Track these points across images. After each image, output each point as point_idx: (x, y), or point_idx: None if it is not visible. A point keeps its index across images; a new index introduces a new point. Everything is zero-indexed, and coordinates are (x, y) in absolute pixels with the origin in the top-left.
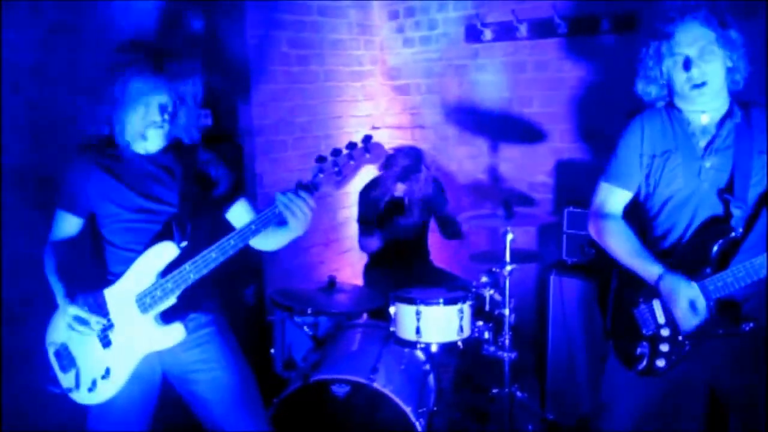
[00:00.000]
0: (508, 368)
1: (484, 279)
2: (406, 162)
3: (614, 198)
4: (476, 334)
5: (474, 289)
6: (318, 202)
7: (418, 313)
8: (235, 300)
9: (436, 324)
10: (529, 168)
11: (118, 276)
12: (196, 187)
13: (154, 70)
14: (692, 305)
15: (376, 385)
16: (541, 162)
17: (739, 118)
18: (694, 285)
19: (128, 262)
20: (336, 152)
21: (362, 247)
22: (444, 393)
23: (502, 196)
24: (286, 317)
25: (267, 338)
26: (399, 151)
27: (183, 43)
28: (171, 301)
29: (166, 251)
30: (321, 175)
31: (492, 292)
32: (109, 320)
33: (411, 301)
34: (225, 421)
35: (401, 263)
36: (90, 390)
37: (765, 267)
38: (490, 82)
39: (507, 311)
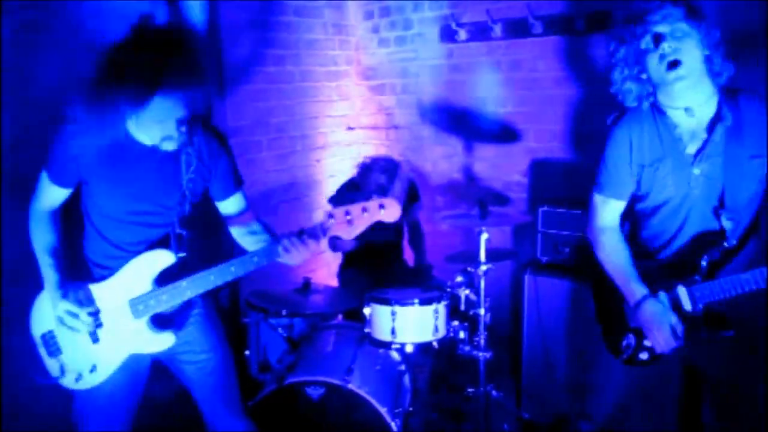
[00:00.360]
0: (484, 368)
1: (459, 279)
2: (381, 180)
3: (608, 209)
4: (451, 334)
5: (449, 289)
6: (293, 202)
7: (393, 313)
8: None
9: (411, 324)
10: (503, 167)
11: (104, 269)
12: (196, 183)
13: (178, 86)
14: (673, 331)
15: (351, 386)
16: (516, 161)
17: (730, 120)
18: (674, 316)
19: (118, 259)
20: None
21: (332, 248)
22: (419, 393)
23: (477, 196)
24: (261, 319)
25: (242, 340)
26: (375, 162)
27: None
28: (162, 309)
29: (162, 258)
30: (331, 221)
31: (467, 291)
32: (98, 318)
33: (386, 302)
34: (204, 403)
35: (376, 263)
36: (77, 380)
37: (751, 283)
38: (465, 82)
39: (482, 311)
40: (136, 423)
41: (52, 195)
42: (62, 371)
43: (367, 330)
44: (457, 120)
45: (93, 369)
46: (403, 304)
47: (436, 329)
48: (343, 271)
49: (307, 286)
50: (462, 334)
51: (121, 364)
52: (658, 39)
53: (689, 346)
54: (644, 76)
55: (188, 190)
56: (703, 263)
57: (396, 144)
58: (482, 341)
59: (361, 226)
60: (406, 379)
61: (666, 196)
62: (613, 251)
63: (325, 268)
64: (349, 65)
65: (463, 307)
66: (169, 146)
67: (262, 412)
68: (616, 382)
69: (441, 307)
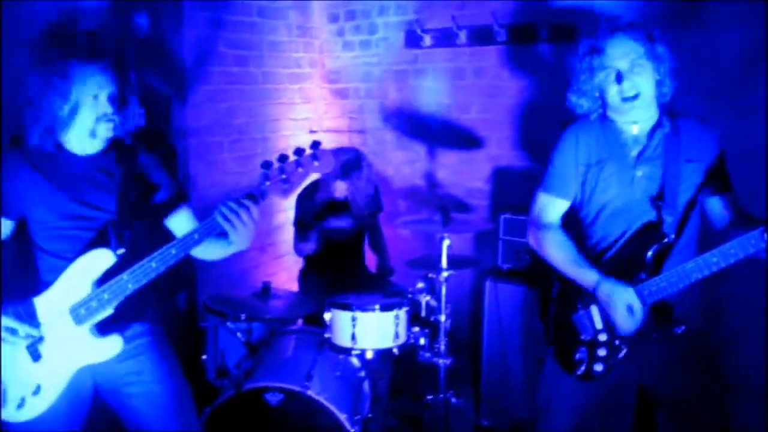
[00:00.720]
0: (444, 374)
1: (420, 285)
2: (345, 158)
3: (552, 207)
4: (412, 341)
5: (410, 295)
6: None
7: (353, 319)
8: (166, 305)
9: (372, 330)
10: (466, 174)
11: (49, 285)
12: (135, 192)
13: (99, 59)
14: (629, 309)
15: (310, 392)
16: (478, 168)
17: (668, 128)
18: (630, 289)
19: (61, 270)
20: (283, 158)
21: (297, 252)
22: (379, 399)
23: (438, 202)
24: (219, 323)
25: (199, 345)
26: (338, 150)
27: (117, 37)
28: (108, 312)
29: (101, 259)
30: (267, 183)
31: (428, 298)
32: (39, 331)
33: (347, 307)
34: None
35: (337, 268)
36: (19, 407)
37: (695, 271)
38: (429, 87)
39: (443, 317)
40: None
41: None
42: (3, 399)
43: (327, 335)
44: (420, 126)
45: (37, 391)
46: (364, 309)
47: (397, 335)
48: (304, 276)
49: (266, 290)
50: (422, 341)
51: (66, 386)
52: (619, 77)
53: (639, 365)
54: (597, 94)
55: (125, 197)
56: (649, 255)
57: (359, 148)
58: (442, 348)
59: (296, 182)
60: (366, 385)
61: (609, 196)
62: (559, 245)
63: (284, 273)
64: (313, 68)
65: (423, 314)
66: (106, 133)
67: (220, 418)
68: (569, 406)
69: (402, 313)
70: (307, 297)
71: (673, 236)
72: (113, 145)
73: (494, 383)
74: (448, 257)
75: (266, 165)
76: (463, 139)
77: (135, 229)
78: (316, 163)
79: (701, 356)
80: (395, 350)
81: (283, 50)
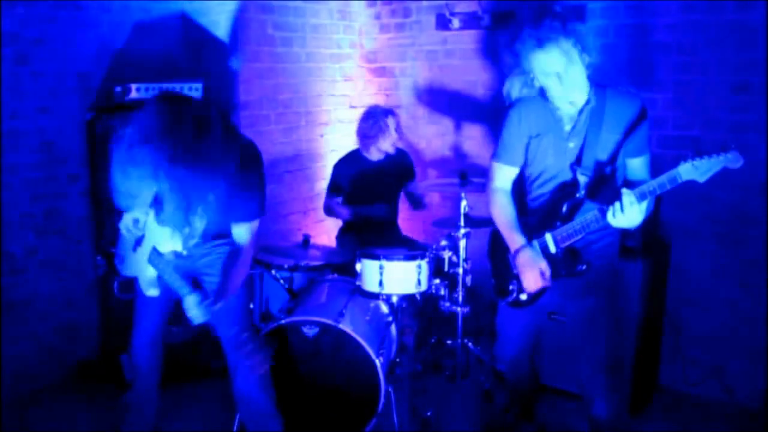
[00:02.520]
0: (461, 321)
1: (443, 242)
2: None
3: (502, 174)
4: (433, 291)
5: (434, 251)
6: (297, 173)
7: (381, 267)
8: None
9: (397, 277)
10: (489, 146)
11: None
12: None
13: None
14: (542, 273)
15: (342, 326)
16: None
17: (594, 102)
18: (544, 261)
19: None
20: None
21: (326, 210)
22: (406, 349)
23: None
24: (265, 271)
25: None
26: (376, 106)
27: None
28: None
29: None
30: None
31: (450, 254)
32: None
33: (375, 257)
34: (220, 328)
35: (371, 230)
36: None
37: (595, 221)
38: (458, 66)
39: (461, 270)
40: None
41: None
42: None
43: (357, 283)
44: (449, 102)
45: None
46: (390, 258)
47: (419, 283)
48: (341, 237)
49: (306, 242)
50: (442, 291)
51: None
52: (558, 77)
53: (552, 295)
54: (538, 84)
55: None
56: (564, 208)
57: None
58: (460, 297)
59: None
60: (393, 329)
61: (545, 165)
62: (502, 208)
63: (324, 235)
64: (352, 48)
65: (446, 268)
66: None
67: None
68: (510, 328)
69: (424, 263)
70: (342, 249)
71: (583, 193)
72: None
73: None
74: (471, 218)
75: None
76: (488, 114)
77: None
78: None
79: (597, 287)
80: (417, 296)
81: (324, 32)
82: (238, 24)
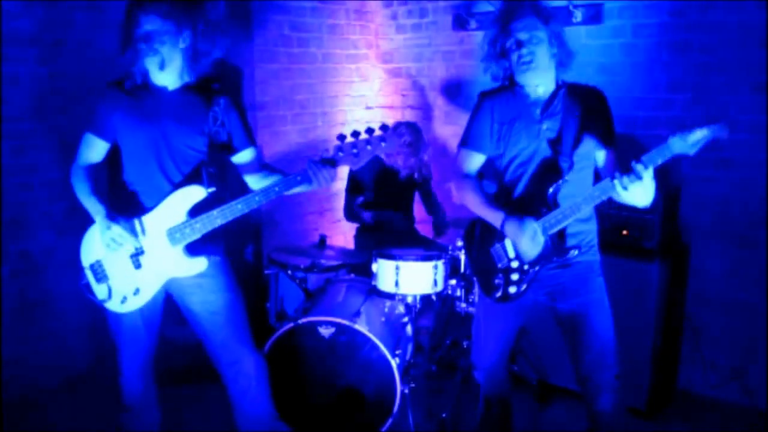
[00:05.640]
0: None
1: (459, 243)
2: (410, 138)
3: (470, 160)
4: (449, 291)
5: (450, 252)
6: None
7: (397, 267)
8: (236, 257)
9: (413, 278)
10: None
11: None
12: (220, 132)
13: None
14: (533, 237)
15: (357, 326)
16: None
17: (565, 90)
18: (531, 220)
19: (154, 196)
20: (355, 134)
21: (347, 216)
22: (423, 349)
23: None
24: (281, 271)
25: (264, 294)
26: (401, 124)
27: None
28: (195, 237)
29: (195, 193)
30: (340, 154)
31: None
32: (141, 245)
33: (391, 257)
34: (207, 337)
35: (389, 230)
36: (122, 302)
37: (583, 206)
38: (475, 67)
39: None
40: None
41: (92, 148)
42: (109, 294)
43: (374, 283)
44: (465, 102)
45: (136, 292)
46: (405, 259)
47: (435, 283)
48: (358, 238)
49: (323, 242)
50: (459, 292)
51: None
52: (519, 44)
53: (542, 289)
54: (506, 65)
55: (212, 133)
56: (550, 192)
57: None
58: (476, 298)
59: (364, 157)
60: (409, 329)
61: (519, 148)
62: (474, 190)
63: (341, 236)
64: (369, 49)
65: (462, 269)
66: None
67: (279, 349)
68: (493, 327)
69: (440, 264)
70: (359, 250)
71: (567, 178)
72: (191, 85)
73: (528, 335)
74: None
75: (341, 137)
76: None
77: (220, 169)
78: (383, 144)
79: (585, 283)
80: (434, 297)
81: (341, 33)
82: (255, 24)
